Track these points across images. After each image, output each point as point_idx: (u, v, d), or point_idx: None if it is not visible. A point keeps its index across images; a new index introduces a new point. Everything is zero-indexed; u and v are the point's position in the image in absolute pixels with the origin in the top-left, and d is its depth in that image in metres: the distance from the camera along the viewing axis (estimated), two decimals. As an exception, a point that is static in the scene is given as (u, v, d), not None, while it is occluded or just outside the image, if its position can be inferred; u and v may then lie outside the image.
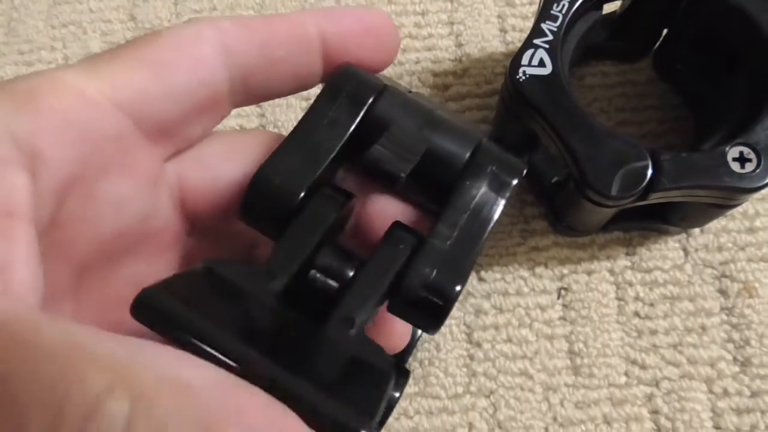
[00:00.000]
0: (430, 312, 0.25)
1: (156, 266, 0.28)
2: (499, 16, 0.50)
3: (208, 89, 0.26)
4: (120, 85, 0.25)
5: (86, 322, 0.19)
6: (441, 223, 0.26)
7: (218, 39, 0.26)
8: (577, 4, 0.39)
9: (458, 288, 0.25)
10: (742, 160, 0.35)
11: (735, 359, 0.41)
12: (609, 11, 0.44)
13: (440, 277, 0.25)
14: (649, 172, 0.35)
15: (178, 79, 0.26)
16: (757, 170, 0.35)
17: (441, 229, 0.26)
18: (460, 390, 0.41)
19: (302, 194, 0.26)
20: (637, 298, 0.43)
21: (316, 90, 0.28)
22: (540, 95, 0.37)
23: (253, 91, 0.28)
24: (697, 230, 0.44)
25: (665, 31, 0.45)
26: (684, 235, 0.44)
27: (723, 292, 0.42)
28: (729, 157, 0.35)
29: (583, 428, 0.40)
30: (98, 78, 0.25)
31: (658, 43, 0.46)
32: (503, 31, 0.50)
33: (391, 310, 0.26)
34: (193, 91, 0.26)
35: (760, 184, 0.35)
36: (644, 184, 0.35)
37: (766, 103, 0.36)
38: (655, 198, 0.36)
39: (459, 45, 0.49)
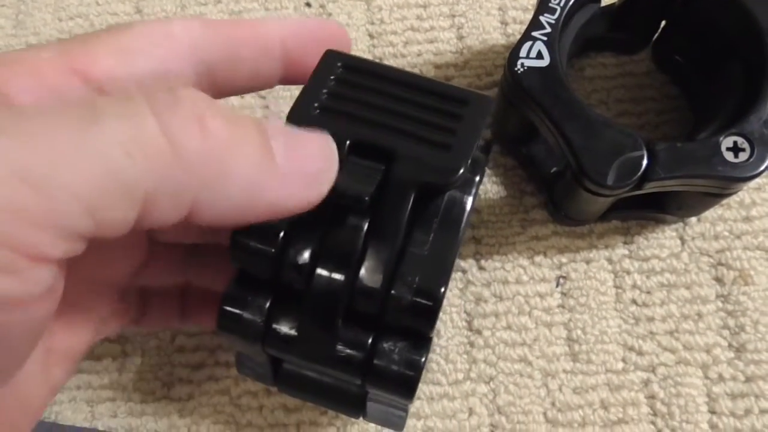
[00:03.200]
0: (422, 314, 0.27)
1: None
2: (500, 9, 0.51)
3: (173, 77, 0.28)
4: (89, 64, 0.26)
5: None
6: (416, 231, 0.28)
7: (186, 33, 0.29)
8: (575, -3, 0.40)
9: (442, 289, 0.27)
10: (735, 149, 0.36)
11: (730, 345, 0.42)
12: (608, 3, 0.44)
13: (425, 281, 0.27)
14: (645, 161, 0.36)
15: (144, 64, 0.27)
16: (751, 159, 0.36)
17: (417, 236, 0.28)
18: (460, 376, 0.42)
19: None
20: (634, 286, 0.43)
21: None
22: (538, 87, 0.38)
23: (217, 85, 0.30)
24: (693, 219, 0.44)
25: (663, 22, 0.45)
26: (681, 224, 0.44)
27: (719, 280, 0.43)
28: (723, 147, 0.36)
29: (581, 413, 0.41)
30: (69, 57, 0.26)
31: (656, 35, 0.46)
32: (504, 23, 0.50)
33: (386, 320, 0.28)
34: (159, 77, 0.28)
35: (754, 173, 0.36)
36: (640, 173, 0.36)
37: (760, 93, 0.37)
38: (650, 187, 0.37)
39: (460, 37, 0.50)
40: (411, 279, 0.27)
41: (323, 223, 0.27)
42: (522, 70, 0.38)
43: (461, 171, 0.27)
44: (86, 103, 0.21)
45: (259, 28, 0.31)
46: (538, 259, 0.44)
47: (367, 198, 0.27)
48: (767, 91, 0.37)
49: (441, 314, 0.42)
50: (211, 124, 0.23)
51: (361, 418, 0.34)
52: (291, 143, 0.25)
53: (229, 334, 0.29)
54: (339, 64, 0.30)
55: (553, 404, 0.41)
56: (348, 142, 0.28)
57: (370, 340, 0.28)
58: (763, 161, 0.36)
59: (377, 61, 0.31)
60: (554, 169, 0.44)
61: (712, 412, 0.41)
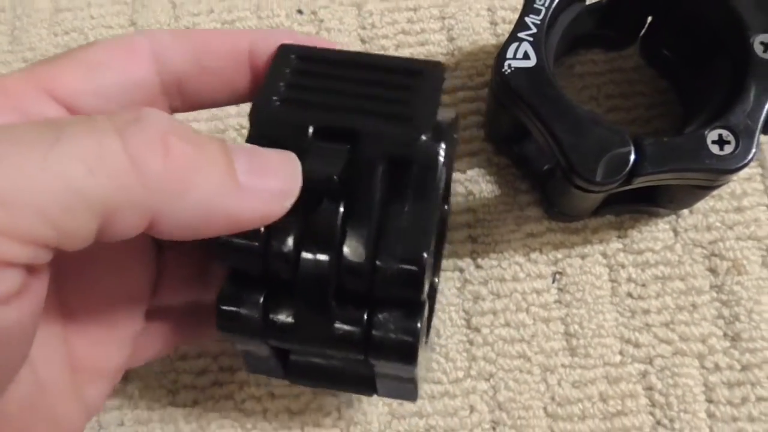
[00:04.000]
0: (408, 282, 0.28)
1: None
2: (489, 9, 0.51)
3: (139, 89, 0.29)
4: (57, 81, 0.27)
5: None
6: (392, 203, 0.28)
7: (150, 46, 0.29)
8: (559, -2, 0.40)
9: (425, 254, 0.27)
10: (721, 142, 0.36)
11: (725, 335, 0.42)
12: (594, 0, 0.45)
13: (407, 250, 0.28)
14: (632, 157, 0.36)
15: (109, 78, 0.28)
16: (736, 151, 0.36)
17: (394, 208, 0.28)
18: (460, 374, 0.43)
19: None
20: (629, 280, 0.44)
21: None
22: (526, 87, 0.38)
23: (188, 97, 0.31)
24: (686, 211, 0.45)
25: (650, 18, 0.46)
26: (674, 217, 0.45)
27: (713, 271, 0.44)
28: (708, 140, 0.36)
29: (581, 406, 0.42)
30: (36, 76, 0.27)
31: (643, 31, 0.47)
32: (494, 23, 0.51)
33: (377, 293, 0.29)
34: (125, 89, 0.29)
35: (739, 164, 0.36)
36: (628, 169, 0.36)
37: (744, 87, 0.37)
38: (639, 182, 0.37)
39: (451, 39, 0.51)
40: (393, 249, 0.28)
41: (302, 210, 0.28)
42: (509, 71, 0.38)
43: (423, 138, 0.28)
44: (50, 122, 0.22)
45: (227, 36, 0.31)
46: (533, 255, 0.45)
47: (336, 177, 0.27)
48: (751, 85, 0.37)
49: (439, 313, 0.43)
50: (173, 144, 0.23)
51: (374, 396, 0.35)
52: (254, 162, 0.26)
53: (229, 332, 0.30)
54: (293, 55, 0.31)
55: (552, 399, 0.42)
56: (311, 129, 0.28)
57: (365, 316, 0.29)
58: (748, 153, 0.36)
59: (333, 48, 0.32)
60: (547, 167, 0.44)
61: (710, 401, 0.41)
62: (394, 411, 0.42)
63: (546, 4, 0.39)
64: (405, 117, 0.29)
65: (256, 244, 0.28)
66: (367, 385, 0.34)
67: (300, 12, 0.52)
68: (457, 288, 0.44)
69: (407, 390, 0.34)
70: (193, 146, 0.24)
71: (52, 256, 0.23)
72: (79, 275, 0.30)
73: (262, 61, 0.31)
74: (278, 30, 0.36)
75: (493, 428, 0.42)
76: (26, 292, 0.23)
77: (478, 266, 0.45)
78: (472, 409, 0.42)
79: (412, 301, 0.29)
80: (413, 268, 0.28)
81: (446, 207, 0.44)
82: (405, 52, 0.50)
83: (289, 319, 0.29)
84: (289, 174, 0.27)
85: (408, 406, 0.42)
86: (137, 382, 0.44)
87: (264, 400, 0.43)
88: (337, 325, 0.29)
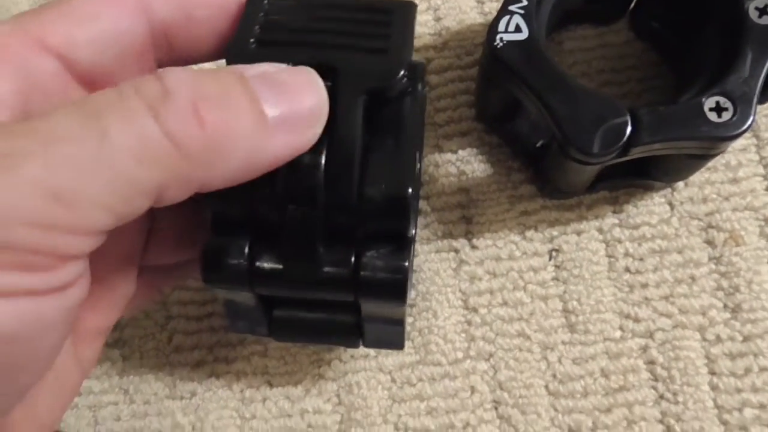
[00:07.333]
0: (395, 214, 0.28)
1: None
2: (475, -12, 0.51)
3: (130, 39, 0.29)
4: (48, 32, 0.27)
5: None
6: (375, 138, 0.29)
7: None
8: (549, -30, 0.40)
9: (410, 186, 0.28)
10: (718, 109, 0.36)
11: (726, 306, 0.42)
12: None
13: (392, 181, 0.28)
14: (629, 127, 0.36)
15: (100, 29, 0.28)
16: (734, 118, 0.36)
17: (376, 142, 0.29)
18: (460, 355, 0.42)
19: None
20: (626, 254, 0.43)
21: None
22: (518, 60, 0.38)
23: (177, 48, 0.31)
24: (681, 184, 0.44)
25: (638, -10, 0.46)
26: (669, 190, 0.44)
27: (710, 243, 0.43)
28: (706, 108, 0.36)
29: (582, 383, 0.41)
30: (26, 28, 0.27)
31: (632, 4, 0.47)
32: (480, 2, 0.50)
33: (364, 229, 0.29)
34: (116, 40, 0.28)
35: (738, 131, 0.36)
36: (624, 139, 0.36)
37: (739, 53, 0.37)
38: (636, 153, 0.37)
39: (437, 19, 0.50)
40: (379, 182, 0.28)
41: None
42: (501, 44, 0.38)
43: (401, 69, 0.28)
44: (87, 111, 0.23)
45: None
46: (529, 233, 0.44)
47: None
48: (747, 51, 0.37)
49: (436, 295, 0.42)
50: (205, 113, 0.23)
51: (361, 347, 0.36)
52: (277, 91, 0.26)
53: (216, 284, 0.30)
54: (264, 0, 0.31)
55: (554, 376, 0.42)
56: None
57: (352, 257, 0.29)
58: (746, 119, 0.36)
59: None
60: (540, 143, 0.44)
61: (712, 373, 0.41)
62: (394, 395, 0.42)
63: (536, -24, 0.39)
64: (381, 50, 0.29)
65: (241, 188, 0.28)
66: (354, 336, 0.34)
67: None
68: (453, 269, 0.44)
69: (395, 336, 0.35)
70: (221, 105, 0.24)
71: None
72: None
73: None
74: None
75: (495, 408, 0.41)
76: (84, 275, 0.25)
77: (473, 246, 0.44)
78: (473, 389, 0.42)
79: (399, 235, 0.29)
80: (399, 200, 0.28)
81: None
82: (392, 34, 0.50)
83: (277, 265, 0.29)
84: (313, 92, 0.27)
85: (408, 390, 0.42)
86: (132, 377, 0.43)
87: (263, 388, 0.42)
88: (326, 268, 0.29)
